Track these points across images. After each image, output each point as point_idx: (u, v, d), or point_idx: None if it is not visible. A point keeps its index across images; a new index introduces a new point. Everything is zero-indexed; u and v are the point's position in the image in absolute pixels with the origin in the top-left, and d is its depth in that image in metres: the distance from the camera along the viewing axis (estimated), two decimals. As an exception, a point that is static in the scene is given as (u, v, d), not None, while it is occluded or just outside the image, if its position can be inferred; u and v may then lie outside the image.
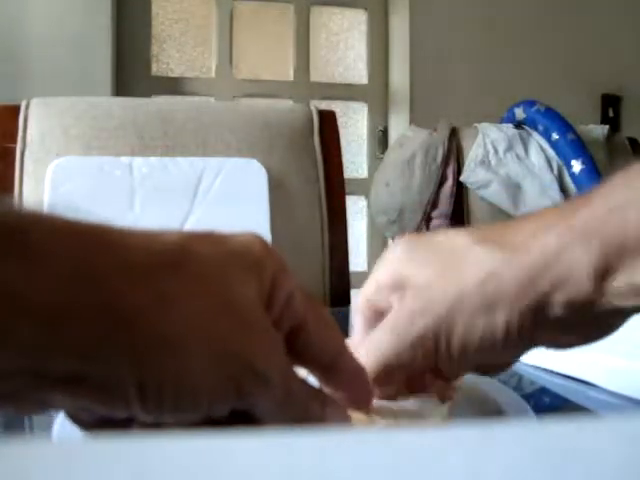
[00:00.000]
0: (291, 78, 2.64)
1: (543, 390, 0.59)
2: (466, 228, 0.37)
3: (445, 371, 0.37)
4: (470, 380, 0.52)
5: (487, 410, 0.48)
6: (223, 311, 0.25)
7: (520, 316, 0.34)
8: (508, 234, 0.36)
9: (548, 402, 0.57)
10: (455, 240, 0.36)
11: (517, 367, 0.63)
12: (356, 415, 0.41)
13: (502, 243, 0.35)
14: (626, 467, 0.15)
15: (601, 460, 0.15)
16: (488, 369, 0.40)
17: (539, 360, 0.62)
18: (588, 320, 0.35)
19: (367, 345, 0.37)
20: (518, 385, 0.60)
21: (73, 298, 0.22)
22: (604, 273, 0.33)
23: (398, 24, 2.71)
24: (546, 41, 2.73)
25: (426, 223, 2.00)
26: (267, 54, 2.65)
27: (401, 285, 0.36)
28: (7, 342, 0.21)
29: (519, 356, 0.39)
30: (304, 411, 0.29)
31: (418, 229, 2.00)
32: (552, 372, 0.60)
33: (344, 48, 2.73)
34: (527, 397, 0.50)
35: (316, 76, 2.65)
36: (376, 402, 0.42)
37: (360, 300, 0.39)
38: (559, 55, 2.73)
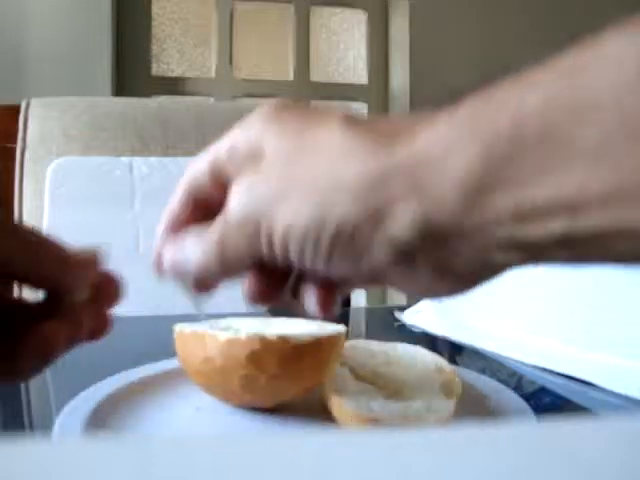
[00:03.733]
0: (291, 78, 2.64)
1: (543, 390, 0.59)
2: (352, 115, 0.29)
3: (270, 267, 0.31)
4: (470, 380, 0.52)
5: (487, 410, 0.48)
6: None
7: (356, 222, 0.26)
8: (387, 123, 0.28)
9: (548, 402, 0.57)
10: (325, 118, 0.29)
11: (517, 367, 0.63)
12: (361, 415, 0.41)
13: (371, 130, 0.27)
14: (626, 467, 0.15)
15: (601, 460, 0.15)
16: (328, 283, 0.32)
17: (539, 360, 0.63)
18: (444, 255, 0.26)
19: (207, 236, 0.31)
20: (518, 385, 0.60)
21: None
22: (485, 183, 0.24)
23: (398, 24, 2.71)
24: (546, 42, 2.73)
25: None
26: (267, 54, 2.65)
27: (257, 154, 0.30)
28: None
29: (353, 278, 0.30)
30: None
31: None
32: (552, 372, 0.60)
33: (344, 48, 2.73)
34: (527, 397, 0.50)
35: (316, 76, 2.65)
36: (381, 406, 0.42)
37: (205, 159, 0.33)
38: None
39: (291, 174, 0.28)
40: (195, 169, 0.33)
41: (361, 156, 0.26)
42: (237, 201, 0.29)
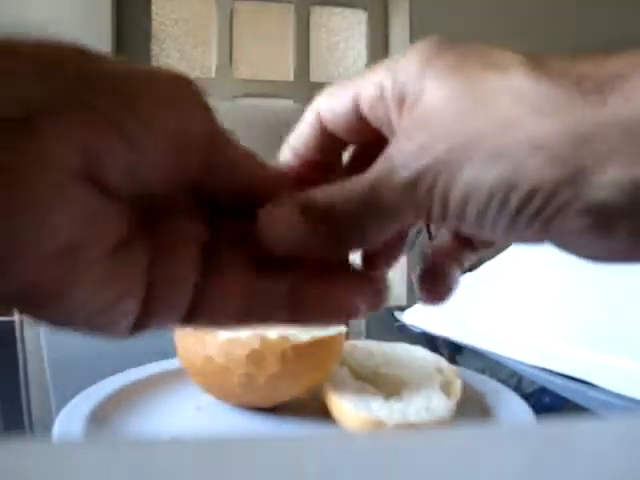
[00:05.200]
0: (291, 78, 2.64)
1: (543, 390, 0.59)
2: (531, 55, 0.25)
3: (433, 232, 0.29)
4: (470, 380, 0.52)
5: (487, 410, 0.48)
6: None
7: (552, 183, 0.23)
8: (581, 64, 0.24)
9: (548, 402, 0.57)
10: (500, 59, 0.25)
11: (517, 367, 0.63)
12: (360, 415, 0.41)
13: (564, 75, 0.24)
14: (626, 467, 0.15)
15: (601, 460, 0.15)
16: (476, 244, 0.31)
17: (539, 360, 0.63)
18: None
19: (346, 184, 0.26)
20: (518, 385, 0.60)
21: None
22: None
23: (398, 24, 2.71)
24: (546, 42, 2.73)
25: (426, 223, 2.00)
26: (267, 54, 2.65)
27: (413, 99, 0.26)
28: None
29: (522, 241, 0.26)
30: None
31: (418, 229, 2.00)
32: (552, 372, 0.60)
33: (344, 48, 2.73)
34: (527, 397, 0.50)
35: (316, 76, 2.65)
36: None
37: (347, 94, 0.29)
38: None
39: (471, 128, 0.24)
40: (333, 102, 0.29)
41: (561, 109, 0.23)
42: (407, 154, 0.25)
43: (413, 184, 0.25)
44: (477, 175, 0.24)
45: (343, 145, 0.30)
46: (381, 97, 0.27)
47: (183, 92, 0.25)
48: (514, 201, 0.23)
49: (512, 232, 0.25)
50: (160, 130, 0.23)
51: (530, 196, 0.23)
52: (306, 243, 0.26)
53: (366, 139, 0.30)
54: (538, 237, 0.25)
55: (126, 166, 0.23)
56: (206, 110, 0.26)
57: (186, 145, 0.24)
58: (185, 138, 0.24)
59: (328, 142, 0.30)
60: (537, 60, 0.25)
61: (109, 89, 0.22)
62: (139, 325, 0.25)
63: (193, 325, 0.26)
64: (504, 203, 0.24)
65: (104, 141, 0.22)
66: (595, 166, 0.22)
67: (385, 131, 0.28)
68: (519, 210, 0.23)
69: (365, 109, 0.28)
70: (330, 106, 0.29)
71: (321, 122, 0.30)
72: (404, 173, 0.25)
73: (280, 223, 0.26)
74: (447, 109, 0.25)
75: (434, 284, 0.30)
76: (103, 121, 0.22)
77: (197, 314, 0.26)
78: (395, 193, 0.25)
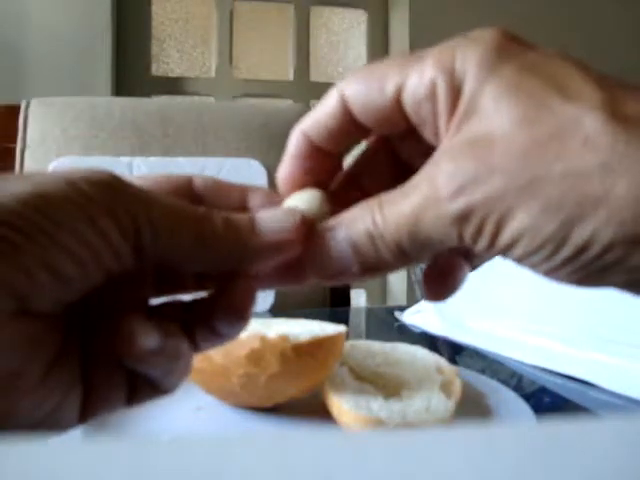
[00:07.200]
0: (291, 78, 2.64)
1: (543, 390, 0.59)
2: (606, 85, 0.23)
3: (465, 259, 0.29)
4: (470, 380, 0.52)
5: (487, 410, 0.48)
6: None
7: (611, 244, 0.22)
8: None
9: (548, 402, 0.57)
10: (570, 84, 0.24)
11: (517, 367, 0.63)
12: (360, 416, 0.41)
13: None
14: (626, 467, 0.15)
15: (601, 460, 0.15)
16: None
17: (539, 360, 0.63)
18: None
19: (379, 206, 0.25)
20: (518, 385, 0.60)
21: None
22: None
23: (398, 24, 2.71)
24: (545, 42, 2.72)
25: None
26: (267, 54, 2.65)
27: (468, 108, 0.24)
28: None
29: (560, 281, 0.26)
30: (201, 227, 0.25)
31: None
32: (552, 372, 0.60)
33: (344, 48, 2.73)
34: (527, 397, 0.50)
35: (316, 76, 2.65)
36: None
37: (384, 91, 0.26)
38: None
39: (534, 168, 0.22)
40: (369, 88, 0.26)
41: (633, 168, 0.21)
42: (456, 183, 0.23)
43: (462, 219, 0.23)
44: (534, 222, 0.22)
45: (366, 134, 0.28)
46: (431, 96, 0.25)
47: (94, 207, 0.24)
48: (564, 253, 0.23)
49: (553, 276, 0.24)
50: (83, 253, 0.22)
51: (582, 249, 0.22)
52: (347, 268, 0.26)
53: (397, 131, 0.27)
54: (576, 282, 0.25)
55: (56, 295, 0.22)
56: (126, 206, 0.24)
57: (111, 256, 0.23)
58: (108, 250, 0.23)
59: (350, 130, 0.28)
60: (614, 99, 0.23)
61: (22, 220, 0.21)
62: (87, 414, 0.25)
63: (141, 404, 0.26)
64: (554, 253, 0.23)
65: (33, 281, 0.21)
66: None
67: (426, 132, 0.26)
68: (567, 261, 0.23)
69: (409, 105, 0.26)
70: (364, 93, 0.26)
71: (347, 108, 0.27)
72: (452, 206, 0.23)
73: (329, 251, 0.26)
74: (508, 137, 0.23)
75: (439, 280, 0.29)
76: (29, 259, 0.21)
77: (141, 393, 0.26)
78: (441, 226, 0.24)
